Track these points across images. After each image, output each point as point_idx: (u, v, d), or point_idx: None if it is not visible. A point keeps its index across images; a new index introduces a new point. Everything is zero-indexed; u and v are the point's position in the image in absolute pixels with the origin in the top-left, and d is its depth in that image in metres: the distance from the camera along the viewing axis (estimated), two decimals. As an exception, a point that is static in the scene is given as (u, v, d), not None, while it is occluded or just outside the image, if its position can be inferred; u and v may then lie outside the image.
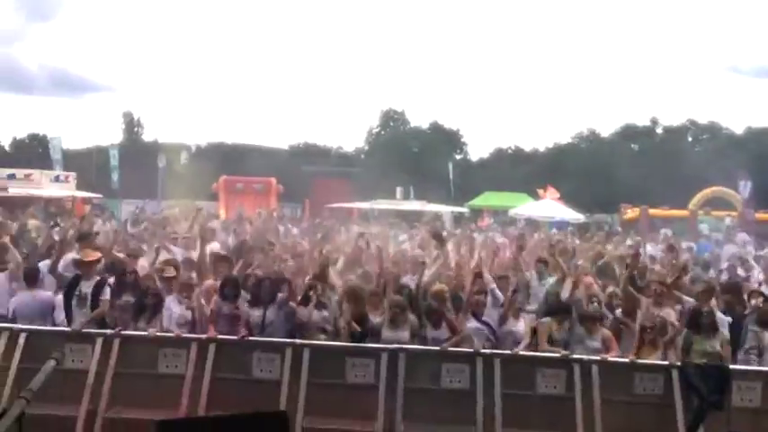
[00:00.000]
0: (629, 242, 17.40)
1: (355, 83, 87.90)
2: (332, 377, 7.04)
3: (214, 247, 10.73)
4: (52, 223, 14.45)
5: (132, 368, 7.12)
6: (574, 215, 26.96)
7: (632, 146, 51.68)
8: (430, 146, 50.12)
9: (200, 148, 54.03)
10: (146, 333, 7.25)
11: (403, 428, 6.72)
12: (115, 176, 36.71)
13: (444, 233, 16.26)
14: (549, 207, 27.41)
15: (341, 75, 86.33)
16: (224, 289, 7.58)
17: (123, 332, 7.23)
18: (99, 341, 7.12)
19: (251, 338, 7.22)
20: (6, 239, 9.27)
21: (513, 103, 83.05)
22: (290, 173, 37.55)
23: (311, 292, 7.53)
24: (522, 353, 7.12)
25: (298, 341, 7.17)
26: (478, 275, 7.99)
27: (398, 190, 34.02)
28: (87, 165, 39.89)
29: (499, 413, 6.75)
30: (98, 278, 7.69)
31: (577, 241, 16.11)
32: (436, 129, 54.66)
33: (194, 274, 8.51)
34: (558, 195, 29.97)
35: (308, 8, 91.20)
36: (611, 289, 8.47)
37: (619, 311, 7.85)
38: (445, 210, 30.48)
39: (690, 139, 53.83)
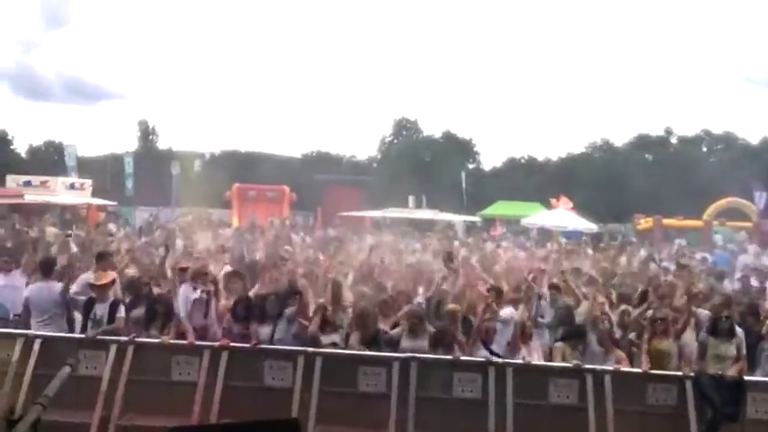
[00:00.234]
0: (642, 253, 17.33)
1: (368, 92, 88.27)
2: (344, 386, 7.05)
3: (227, 269, 10.72)
4: (68, 232, 14.60)
5: (145, 375, 7.17)
6: (587, 225, 26.80)
7: (646, 156, 51.34)
8: (443, 155, 50.06)
9: (214, 156, 54.27)
10: (159, 340, 7.29)
11: (415, 437, 6.71)
12: (130, 184, 36.97)
13: (456, 243, 16.32)
14: (562, 217, 27.26)
15: (354, 83, 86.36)
16: (236, 309, 7.61)
17: (137, 339, 7.28)
18: (113, 348, 7.18)
19: (263, 346, 7.25)
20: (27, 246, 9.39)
21: (526, 112, 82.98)
22: (302, 181, 37.65)
23: (321, 315, 7.52)
24: (534, 362, 7.09)
25: (310, 349, 7.17)
26: (491, 290, 7.88)
27: (411, 199, 34.02)
28: (102, 172, 40.20)
29: (511, 423, 6.72)
30: (112, 299, 7.69)
31: (590, 251, 16.05)
32: (449, 138, 54.61)
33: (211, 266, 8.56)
34: (571, 205, 29.80)
35: (321, 17, 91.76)
36: (623, 307, 8.40)
37: (633, 335, 7.78)
38: (457, 219, 30.43)
39: (704, 149, 53.42)
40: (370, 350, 7.24)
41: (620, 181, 42.92)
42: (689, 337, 7.63)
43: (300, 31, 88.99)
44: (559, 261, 12.57)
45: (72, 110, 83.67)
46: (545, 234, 24.32)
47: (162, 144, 54.51)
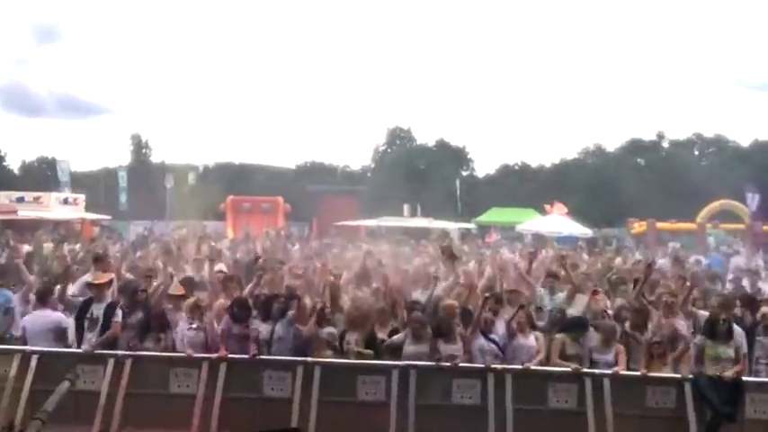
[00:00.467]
0: (638, 256, 17.39)
1: (361, 101, 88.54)
2: (343, 395, 7.04)
3: (221, 267, 10.76)
4: (70, 248, 14.52)
5: (144, 388, 7.15)
6: (581, 230, 26.92)
7: (638, 160, 51.59)
8: (436, 163, 50.18)
9: (208, 169, 54.32)
10: (157, 353, 7.28)
11: (415, 445, 6.71)
12: (123, 198, 36.97)
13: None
14: (557, 222, 27.38)
15: (347, 93, 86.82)
16: (234, 309, 7.61)
17: (135, 353, 7.26)
18: (111, 362, 7.16)
19: (262, 357, 7.24)
20: (20, 261, 9.34)
21: (518, 119, 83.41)
22: (296, 192, 37.70)
23: (318, 311, 7.55)
24: (533, 368, 7.10)
25: (309, 359, 7.17)
26: (489, 298, 7.91)
27: (405, 207, 34.09)
28: (95, 186, 40.15)
29: (511, 429, 6.73)
30: (110, 301, 7.70)
31: (585, 256, 16.10)
32: (442, 146, 54.75)
33: (204, 295, 8.53)
34: (565, 210, 29.93)
35: (313, 27, 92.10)
36: (620, 302, 8.44)
37: (627, 325, 7.80)
38: (452, 226, 30.49)
39: (696, 152, 53.73)
40: (367, 353, 7.24)
41: (613, 186, 43.11)
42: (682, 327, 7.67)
43: (293, 42, 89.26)
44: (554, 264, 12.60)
45: (64, 125, 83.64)
46: (540, 240, 24.36)
47: (155, 158, 54.54)
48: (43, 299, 7.87)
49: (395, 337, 7.46)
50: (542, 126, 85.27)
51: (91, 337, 7.41)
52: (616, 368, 7.04)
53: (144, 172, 46.11)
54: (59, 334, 7.64)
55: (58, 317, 7.83)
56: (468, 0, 78.61)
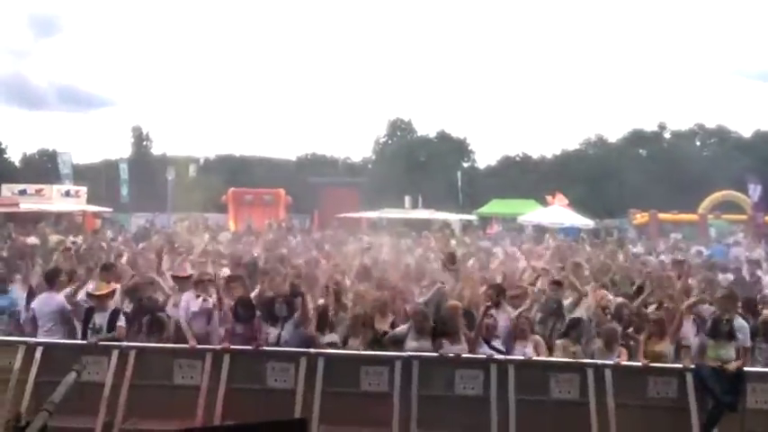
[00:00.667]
0: (639, 248, 17.41)
1: (362, 93, 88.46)
2: (346, 385, 7.06)
3: (225, 272, 10.73)
4: (73, 240, 14.55)
5: (148, 380, 7.18)
6: (583, 221, 26.92)
7: (640, 151, 51.51)
8: (437, 154, 50.14)
9: (209, 161, 54.31)
10: (161, 345, 7.32)
11: (418, 435, 6.73)
12: (125, 190, 36.96)
13: (453, 242, 16.36)
14: (558, 213, 27.37)
15: (348, 85, 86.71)
16: (238, 310, 7.63)
17: (139, 344, 7.30)
18: (115, 353, 7.18)
19: (265, 348, 7.26)
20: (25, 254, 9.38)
21: (520, 110, 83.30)
22: (297, 184, 37.69)
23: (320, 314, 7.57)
24: (535, 358, 7.12)
25: (312, 350, 7.19)
26: (491, 306, 7.89)
27: (407, 199, 34.07)
28: (97, 179, 40.14)
29: (514, 419, 6.74)
30: (113, 309, 7.68)
31: (588, 248, 16.10)
32: (443, 137, 54.67)
33: (210, 268, 8.57)
34: (566, 202, 29.92)
35: (314, 19, 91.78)
36: (620, 300, 8.45)
37: (630, 330, 7.81)
38: (454, 218, 30.49)
39: (698, 143, 53.65)
40: (372, 350, 7.26)
41: (614, 177, 43.07)
42: (689, 331, 7.69)
43: (293, 34, 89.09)
44: (556, 257, 12.61)
45: (65, 118, 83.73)
46: (541, 231, 24.38)
47: (156, 150, 54.54)
48: (51, 282, 7.92)
49: (397, 330, 7.46)
50: (544, 117, 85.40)
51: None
52: (617, 359, 7.07)
53: (145, 164, 46.09)
54: (65, 317, 7.70)
55: (62, 300, 7.90)
56: (469, -9, 78.25)
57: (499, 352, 7.30)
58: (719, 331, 7.04)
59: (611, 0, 78.63)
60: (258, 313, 7.67)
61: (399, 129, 56.89)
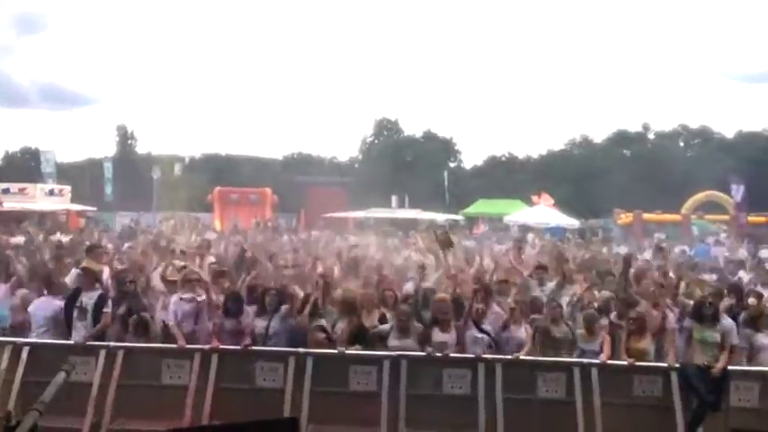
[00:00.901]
0: (623, 248, 17.57)
1: (348, 92, 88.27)
2: (335, 385, 7.09)
3: (211, 260, 10.75)
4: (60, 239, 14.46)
5: (136, 380, 7.17)
6: (568, 221, 27.10)
7: (624, 151, 51.95)
8: (424, 154, 50.24)
9: (194, 160, 54.01)
10: (149, 345, 7.29)
11: (406, 434, 6.77)
12: (109, 189, 36.64)
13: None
14: (544, 213, 27.54)
15: (334, 85, 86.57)
16: (227, 304, 7.62)
17: (126, 344, 7.27)
18: (102, 353, 7.16)
19: (254, 348, 7.26)
20: (10, 252, 9.30)
21: (506, 110, 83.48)
22: (284, 183, 37.63)
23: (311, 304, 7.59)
24: (522, 357, 7.18)
25: (301, 350, 7.21)
26: (479, 290, 7.97)
27: (393, 198, 34.12)
28: (80, 178, 39.80)
29: (501, 418, 6.81)
30: (100, 291, 7.69)
31: (573, 248, 16.22)
32: (430, 137, 54.79)
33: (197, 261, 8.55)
34: (552, 202, 30.12)
35: (300, 18, 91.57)
36: (607, 294, 8.55)
37: (613, 315, 7.91)
38: (440, 218, 30.57)
39: (681, 144, 54.17)
40: (357, 346, 7.29)
41: (599, 177, 43.37)
42: (671, 319, 7.78)
43: (279, 33, 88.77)
44: (543, 255, 12.71)
45: (48, 116, 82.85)
46: (526, 231, 24.52)
47: (141, 148, 54.18)
48: (49, 285, 7.89)
49: (381, 327, 7.51)
50: (529, 117, 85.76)
51: (81, 327, 7.41)
52: (602, 356, 7.15)
53: (130, 163, 45.76)
54: (58, 322, 7.65)
55: (60, 305, 7.83)
56: (455, -9, 78.48)
57: (488, 335, 7.39)
58: (704, 314, 7.14)
59: (596, 2, 79.27)
60: (247, 308, 7.68)
61: (386, 128, 56.92)
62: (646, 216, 30.09)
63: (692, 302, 8.03)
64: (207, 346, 7.26)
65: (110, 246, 12.74)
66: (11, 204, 25.85)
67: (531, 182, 38.54)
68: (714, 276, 11.97)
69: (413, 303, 8.17)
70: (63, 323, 7.66)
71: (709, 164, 39.03)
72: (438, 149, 52.79)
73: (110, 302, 7.59)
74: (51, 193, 29.89)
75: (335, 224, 26.09)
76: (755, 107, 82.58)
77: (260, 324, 7.50)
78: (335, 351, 7.29)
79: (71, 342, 7.32)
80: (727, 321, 7.31)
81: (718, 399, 6.81)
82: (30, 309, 7.80)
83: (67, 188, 31.20)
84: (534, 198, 31.42)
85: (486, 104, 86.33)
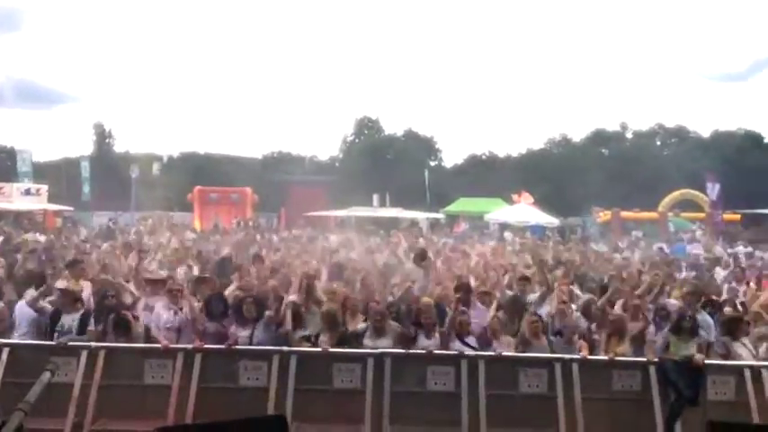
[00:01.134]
0: (602, 246, 17.81)
1: (329, 91, 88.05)
2: (319, 383, 7.09)
3: (184, 270, 10.67)
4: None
5: (118, 380, 7.09)
6: (548, 219, 27.34)
7: (603, 150, 52.50)
8: (405, 153, 50.31)
9: (173, 159, 53.59)
10: (131, 345, 7.24)
11: (390, 431, 6.79)
12: (86, 188, 36.26)
13: (421, 240, 16.50)
14: (524, 212, 27.77)
15: (314, 83, 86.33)
16: (210, 306, 7.58)
17: (108, 344, 7.21)
18: (84, 354, 7.08)
19: (237, 347, 7.24)
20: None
21: (486, 109, 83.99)
22: (264, 182, 37.49)
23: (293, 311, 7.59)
24: (505, 354, 7.25)
25: (285, 348, 7.20)
26: (460, 300, 8.00)
27: (375, 197, 34.16)
28: (57, 177, 39.29)
29: (484, 413, 6.86)
30: (82, 311, 7.55)
31: (551, 244, 16.41)
32: (411, 136, 54.90)
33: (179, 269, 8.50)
34: (532, 200, 30.37)
35: (280, 17, 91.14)
36: (588, 296, 8.65)
37: (593, 325, 8.04)
38: (421, 216, 30.67)
39: (658, 143, 54.86)
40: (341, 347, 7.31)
41: (578, 175, 43.77)
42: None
43: (258, 31, 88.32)
44: (523, 254, 12.85)
45: (24, 114, 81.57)
46: (504, 230, 24.73)
47: (118, 147, 53.62)
48: (38, 287, 7.79)
49: (359, 326, 7.56)
50: (509, 116, 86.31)
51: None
52: (583, 353, 7.25)
53: (107, 162, 45.29)
54: (41, 326, 7.56)
55: (43, 309, 7.73)
56: (435, -10, 78.63)
57: (472, 348, 7.41)
58: (682, 328, 7.25)
59: (574, 3, 79.95)
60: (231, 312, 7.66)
61: (366, 127, 56.92)
62: (624, 214, 30.47)
63: (672, 301, 8.16)
64: (190, 346, 7.22)
65: (87, 243, 12.60)
66: (-13, 204, 25.52)
67: (511, 180, 38.78)
68: (693, 273, 12.20)
69: (395, 311, 8.19)
70: (45, 328, 7.56)
71: (685, 162, 39.59)
72: (419, 148, 52.92)
73: (92, 321, 7.47)
74: (28, 192, 29.53)
75: (317, 223, 26.08)
76: (731, 107, 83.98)
77: (243, 334, 7.43)
78: (319, 350, 7.31)
79: (52, 343, 7.23)
80: (703, 319, 7.45)
81: (695, 393, 6.92)
82: (17, 309, 7.68)
83: (44, 187, 30.82)
84: (514, 197, 31.67)
85: (467, 103, 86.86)
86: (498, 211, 29.40)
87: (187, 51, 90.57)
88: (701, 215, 29.80)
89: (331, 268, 10.23)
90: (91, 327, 7.40)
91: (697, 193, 30.83)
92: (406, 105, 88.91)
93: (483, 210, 31.23)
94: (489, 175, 46.65)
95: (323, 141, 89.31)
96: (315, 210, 29.38)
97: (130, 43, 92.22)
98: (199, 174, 42.77)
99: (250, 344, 7.37)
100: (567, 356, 7.20)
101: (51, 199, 30.79)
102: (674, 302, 8.17)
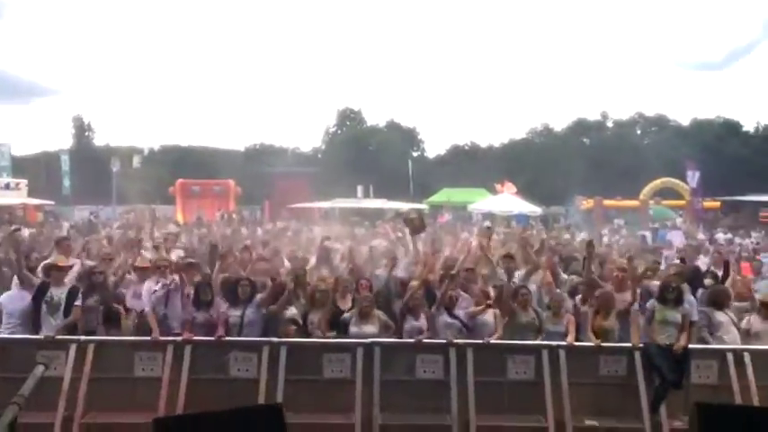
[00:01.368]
0: (584, 235, 17.98)
1: (311, 82, 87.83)
2: (309, 373, 7.13)
3: (178, 254, 10.65)
4: (16, 227, 14.16)
5: (108, 373, 7.07)
6: (531, 208, 27.54)
7: (584, 140, 52.90)
8: (387, 144, 50.36)
9: (153, 152, 53.20)
10: (120, 338, 7.23)
11: (380, 420, 6.86)
12: (67, 182, 35.90)
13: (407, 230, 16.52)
14: (507, 201, 27.94)
15: (296, 74, 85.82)
16: (198, 295, 7.59)
17: (97, 337, 7.20)
18: (73, 347, 7.05)
19: (227, 338, 7.26)
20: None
21: (468, 99, 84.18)
22: (246, 174, 37.34)
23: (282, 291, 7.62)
24: (493, 341, 7.34)
25: (275, 339, 7.23)
26: (446, 276, 8.08)
27: (359, 189, 34.15)
28: (36, 171, 38.85)
29: (473, 400, 6.94)
30: (71, 285, 7.58)
31: (535, 232, 16.52)
32: (393, 127, 54.93)
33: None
34: (515, 190, 30.54)
35: (261, 8, 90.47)
36: (576, 279, 8.76)
37: (578, 299, 8.15)
38: (405, 207, 30.70)
39: (639, 131, 55.39)
40: (332, 332, 7.38)
41: (560, 164, 44.11)
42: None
43: (239, 22, 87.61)
44: (506, 242, 12.91)
45: (1, 108, 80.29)
46: (490, 219, 24.83)
47: (98, 140, 53.09)
48: (21, 278, 7.73)
49: (345, 315, 7.59)
50: (491, 106, 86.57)
51: (51, 322, 7.29)
52: (569, 338, 7.36)
53: (87, 155, 44.87)
54: (28, 316, 7.51)
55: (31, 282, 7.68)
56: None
57: (459, 320, 7.53)
58: (667, 297, 7.41)
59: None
60: (218, 299, 7.67)
61: (349, 118, 56.85)
62: (606, 202, 30.79)
63: (652, 282, 8.32)
64: (179, 338, 7.22)
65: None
66: (-34, 199, 25.19)
67: (494, 170, 38.98)
68: (677, 260, 12.36)
69: (384, 293, 8.26)
70: (32, 317, 7.51)
71: (665, 151, 40.05)
72: (401, 139, 52.99)
73: (80, 297, 7.47)
74: (7, 186, 29.22)
75: (301, 215, 26.04)
76: (709, 95, 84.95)
77: (234, 314, 7.49)
78: (309, 340, 7.36)
79: (40, 337, 7.19)
80: (689, 299, 7.61)
81: (679, 377, 7.06)
82: (2, 300, 7.63)
83: (24, 182, 30.47)
84: (498, 186, 31.83)
85: (448, 94, 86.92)
86: (482, 202, 29.56)
87: (168, 43, 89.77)
88: (682, 203, 30.20)
89: (319, 252, 10.24)
90: (78, 302, 7.39)
91: (677, 181, 31.21)
92: (388, 96, 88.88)
93: (466, 200, 31.38)
94: (472, 165, 46.88)
95: (305, 133, 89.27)
96: (298, 201, 29.32)
97: (109, 35, 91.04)
98: (180, 166, 42.56)
99: (241, 324, 7.41)
100: (554, 343, 7.30)
101: (31, 193, 30.46)
102: (656, 284, 8.29)
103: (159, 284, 7.61)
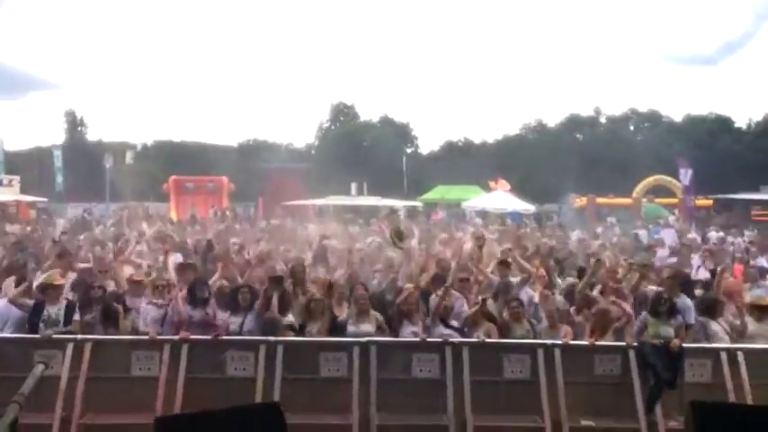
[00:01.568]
0: (577, 233, 18.04)
1: (304, 77, 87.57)
2: (306, 372, 7.15)
3: (177, 258, 10.62)
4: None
5: (105, 372, 7.06)
6: (525, 206, 27.58)
7: (577, 135, 53.01)
8: (381, 139, 50.35)
9: (146, 147, 52.99)
10: (117, 337, 7.23)
11: (377, 419, 6.89)
12: (60, 178, 35.69)
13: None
14: (501, 199, 27.97)
15: (289, 70, 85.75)
16: (193, 292, 7.57)
17: (94, 336, 7.19)
18: (70, 347, 7.04)
19: (224, 338, 7.27)
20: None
21: (461, 95, 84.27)
22: (240, 170, 37.23)
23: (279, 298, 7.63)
24: (488, 340, 7.37)
25: (271, 338, 7.24)
26: (437, 278, 8.08)
27: (353, 186, 34.13)
28: (29, 167, 38.62)
29: (469, 399, 6.97)
30: (66, 301, 7.51)
31: (528, 230, 16.59)
32: (386, 122, 54.89)
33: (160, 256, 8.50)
34: (509, 187, 30.59)
35: (255, 4, 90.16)
36: (570, 279, 8.80)
37: (572, 309, 8.20)
38: (399, 204, 30.73)
39: (632, 127, 55.53)
40: (330, 336, 7.39)
41: (553, 161, 44.17)
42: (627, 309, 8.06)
43: (234, 18, 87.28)
44: (501, 241, 12.96)
45: (-9, 103, 79.74)
46: (483, 216, 24.89)
47: (91, 135, 52.82)
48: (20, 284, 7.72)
49: (341, 318, 7.64)
50: (485, 103, 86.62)
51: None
52: (566, 339, 7.41)
53: (80, 151, 44.61)
54: (22, 324, 7.47)
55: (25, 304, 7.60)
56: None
57: (456, 330, 7.53)
58: (659, 310, 7.44)
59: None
60: (213, 301, 7.67)
61: (342, 113, 56.77)
62: (599, 200, 30.87)
63: (651, 288, 8.35)
64: (176, 337, 7.22)
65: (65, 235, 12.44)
66: (-42, 195, 25.04)
67: (488, 167, 38.97)
68: (674, 259, 12.43)
69: (378, 296, 8.28)
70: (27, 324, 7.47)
71: (658, 147, 40.22)
72: (395, 135, 52.96)
73: (78, 311, 7.43)
74: (0, 183, 29.02)
75: (295, 212, 25.99)
76: (701, 90, 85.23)
77: (234, 321, 7.48)
78: (306, 339, 7.38)
79: (37, 336, 7.17)
80: (682, 302, 7.65)
81: (673, 376, 7.11)
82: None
83: (17, 178, 30.31)
84: (491, 184, 31.87)
85: (442, 90, 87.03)
86: (476, 199, 29.59)
87: (161, 38, 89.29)
88: (675, 200, 30.30)
89: (316, 251, 10.26)
90: (76, 317, 7.35)
91: (670, 179, 31.31)
92: (382, 91, 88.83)
93: (460, 197, 31.41)
94: (465, 162, 46.91)
95: (299, 128, 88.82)
96: (293, 198, 29.26)
97: (102, 29, 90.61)
98: (173, 162, 42.40)
99: (240, 332, 7.41)
100: (550, 342, 7.34)
101: (24, 190, 30.30)
102: (652, 289, 8.34)
103: (157, 302, 7.60)
